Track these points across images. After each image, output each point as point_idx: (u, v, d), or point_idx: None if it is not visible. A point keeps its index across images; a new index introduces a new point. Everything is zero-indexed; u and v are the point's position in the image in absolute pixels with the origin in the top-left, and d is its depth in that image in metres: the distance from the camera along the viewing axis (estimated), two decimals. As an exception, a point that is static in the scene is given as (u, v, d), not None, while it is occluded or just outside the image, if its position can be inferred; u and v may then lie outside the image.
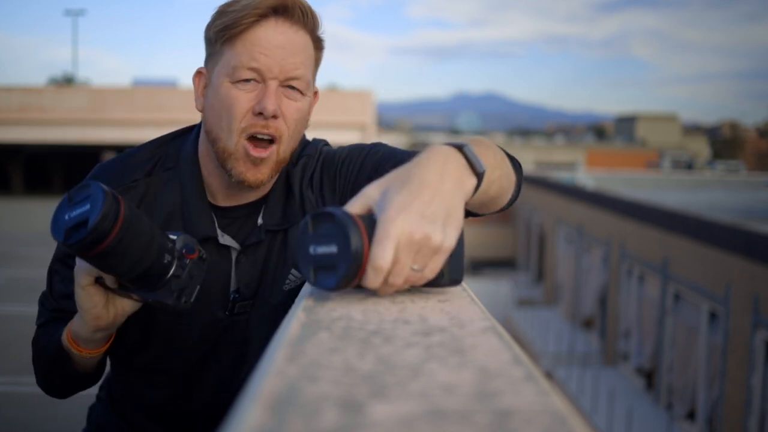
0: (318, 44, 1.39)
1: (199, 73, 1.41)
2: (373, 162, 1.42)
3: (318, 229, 0.91)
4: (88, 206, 1.08)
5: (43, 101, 26.86)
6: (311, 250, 0.91)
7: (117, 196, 1.11)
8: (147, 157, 1.43)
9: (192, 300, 1.24)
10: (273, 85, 1.31)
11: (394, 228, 0.89)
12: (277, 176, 1.41)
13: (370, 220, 0.92)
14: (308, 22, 1.35)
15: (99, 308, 1.23)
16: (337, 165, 1.45)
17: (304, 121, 1.39)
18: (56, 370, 1.39)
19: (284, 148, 1.36)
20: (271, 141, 1.34)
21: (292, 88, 1.33)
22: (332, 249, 0.89)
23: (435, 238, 0.91)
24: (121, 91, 28.66)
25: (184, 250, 1.21)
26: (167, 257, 1.18)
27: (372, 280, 0.90)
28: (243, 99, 1.31)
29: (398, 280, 0.92)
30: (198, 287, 1.24)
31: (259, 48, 1.30)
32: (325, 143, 1.53)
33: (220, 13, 1.33)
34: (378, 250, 0.88)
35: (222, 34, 1.31)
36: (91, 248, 1.08)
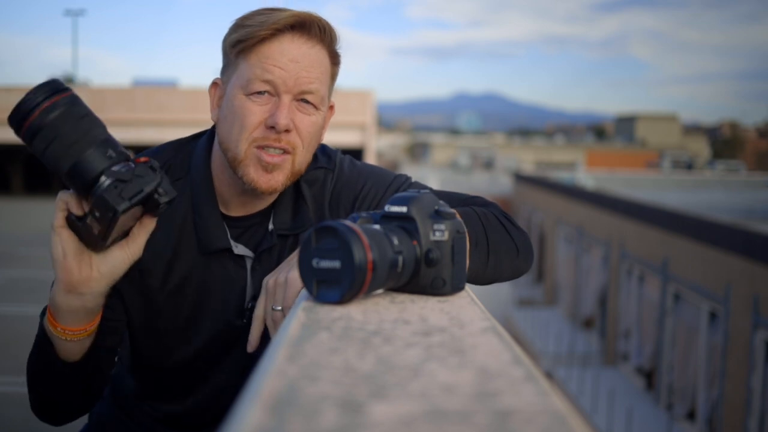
0: (335, 60, 1.39)
1: (214, 84, 1.41)
2: (393, 191, 1.44)
3: (321, 243, 0.91)
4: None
5: (43, 101, 26.81)
6: (314, 263, 0.91)
7: (69, 88, 1.12)
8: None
9: (134, 202, 1.12)
10: (286, 99, 1.31)
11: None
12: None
13: (373, 234, 0.92)
14: (326, 37, 1.34)
15: (70, 258, 1.15)
16: (360, 189, 1.46)
17: (318, 135, 1.39)
18: (40, 369, 1.30)
19: (299, 160, 1.35)
20: (284, 152, 1.33)
21: (306, 102, 1.33)
22: (335, 264, 0.89)
23: (280, 276, 1.22)
24: (121, 91, 28.65)
25: (134, 155, 1.16)
26: (111, 153, 1.13)
27: (253, 339, 1.27)
28: (256, 111, 1.31)
29: (257, 317, 1.25)
30: (143, 192, 1.12)
31: (274, 61, 1.29)
32: (342, 155, 1.53)
33: (238, 26, 1.33)
34: (258, 310, 1.26)
35: (238, 46, 1.31)
36: (22, 121, 1.09)
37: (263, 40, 1.29)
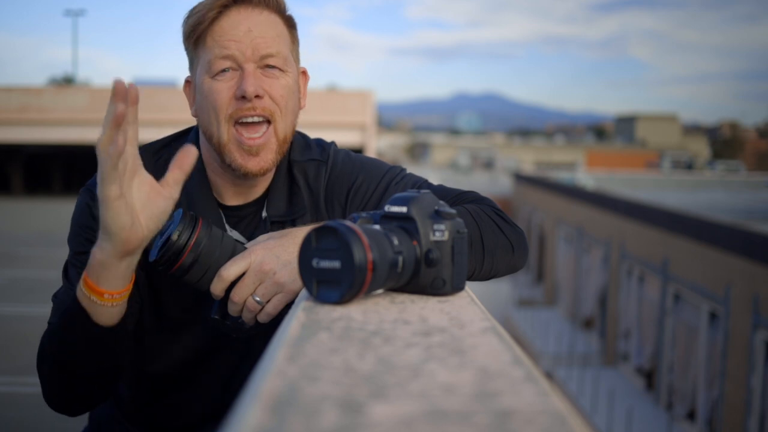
0: (289, 22, 1.40)
1: (187, 82, 1.44)
2: (386, 183, 1.44)
3: (321, 243, 0.91)
4: (171, 226, 1.20)
5: (43, 101, 26.85)
6: (314, 263, 0.91)
7: (196, 216, 1.21)
8: (149, 163, 1.39)
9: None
10: (250, 68, 1.32)
11: (250, 254, 1.19)
12: (279, 163, 1.40)
13: (373, 234, 0.92)
14: (271, 2, 1.36)
15: (127, 229, 1.05)
16: (353, 181, 1.46)
17: (294, 99, 1.39)
18: (70, 347, 1.22)
19: (281, 127, 1.35)
20: (266, 121, 1.34)
21: (271, 66, 1.34)
22: (335, 264, 0.89)
23: (279, 276, 1.17)
24: (121, 91, 28.56)
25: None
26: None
27: (214, 285, 1.19)
28: (224, 88, 1.32)
29: (236, 297, 1.19)
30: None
31: (228, 36, 1.32)
32: (336, 147, 1.53)
33: (187, 18, 1.36)
34: (229, 263, 1.18)
35: (192, 35, 1.34)
36: (173, 262, 1.19)
37: (212, 21, 1.32)
